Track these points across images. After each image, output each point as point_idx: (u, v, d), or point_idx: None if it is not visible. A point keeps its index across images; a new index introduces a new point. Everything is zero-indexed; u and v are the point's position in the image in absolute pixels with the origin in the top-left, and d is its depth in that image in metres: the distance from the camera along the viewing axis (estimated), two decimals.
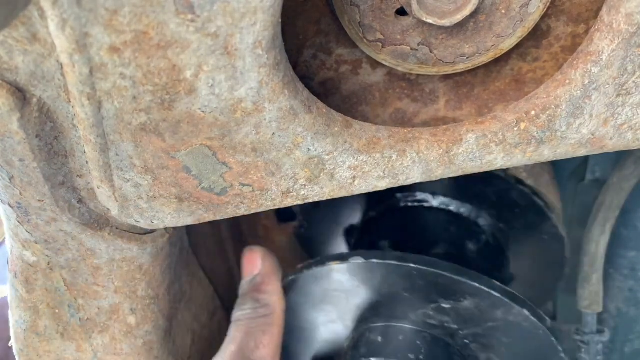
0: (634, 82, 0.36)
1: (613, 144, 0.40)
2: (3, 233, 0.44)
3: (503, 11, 0.37)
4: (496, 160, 0.40)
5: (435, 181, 0.59)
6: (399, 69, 0.40)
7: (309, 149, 0.37)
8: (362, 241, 0.68)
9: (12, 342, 0.50)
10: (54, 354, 0.50)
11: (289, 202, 0.40)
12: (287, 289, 0.57)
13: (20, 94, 0.33)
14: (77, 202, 0.41)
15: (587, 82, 0.36)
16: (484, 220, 0.65)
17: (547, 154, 0.40)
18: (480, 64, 0.40)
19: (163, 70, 0.31)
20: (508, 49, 0.39)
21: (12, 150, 0.35)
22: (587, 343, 0.68)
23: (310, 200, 0.40)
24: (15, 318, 0.49)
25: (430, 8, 0.35)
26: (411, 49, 0.39)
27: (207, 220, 0.41)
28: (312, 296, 0.58)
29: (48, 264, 0.44)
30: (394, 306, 0.55)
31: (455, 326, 0.54)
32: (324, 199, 0.41)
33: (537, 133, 0.38)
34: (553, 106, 0.37)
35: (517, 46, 0.40)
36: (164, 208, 0.40)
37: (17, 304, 0.48)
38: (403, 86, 0.43)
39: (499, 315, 0.52)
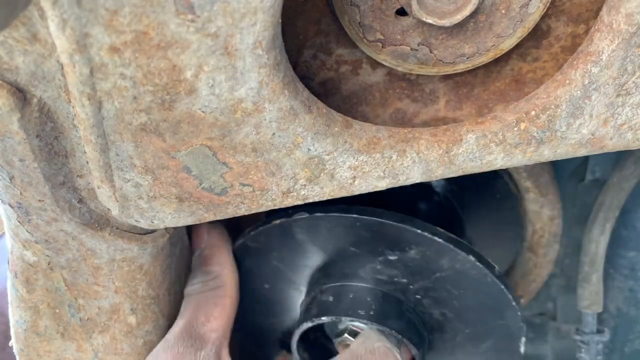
0: (633, 82, 0.36)
1: (613, 144, 0.40)
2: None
3: (503, 11, 0.37)
4: (496, 160, 0.40)
5: None
6: (399, 69, 0.40)
7: (309, 149, 0.37)
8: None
9: (13, 342, 0.50)
10: (54, 353, 0.50)
11: (289, 202, 0.40)
12: (239, 254, 0.56)
13: (21, 94, 0.33)
14: (78, 202, 0.41)
15: (587, 82, 0.36)
16: (436, 182, 0.64)
17: (547, 154, 0.40)
18: (480, 64, 0.40)
19: (163, 71, 0.31)
20: (508, 49, 0.39)
21: (13, 150, 0.35)
22: (587, 343, 0.68)
23: (311, 200, 0.40)
24: (15, 318, 0.49)
25: (430, 8, 0.35)
26: (411, 49, 0.39)
27: (207, 220, 0.41)
28: (263, 259, 0.57)
29: (48, 264, 0.44)
30: (343, 264, 0.55)
31: (405, 280, 0.53)
32: (324, 199, 0.41)
33: (537, 133, 0.38)
34: (553, 106, 0.37)
35: (517, 46, 0.40)
36: (164, 208, 0.40)
37: (18, 303, 0.48)
38: (403, 86, 0.43)
39: (445, 264, 0.51)
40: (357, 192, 0.40)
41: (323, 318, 0.53)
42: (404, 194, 0.54)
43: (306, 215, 0.52)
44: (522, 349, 0.55)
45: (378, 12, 0.37)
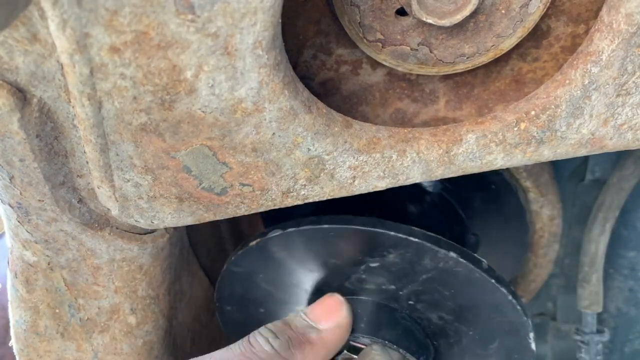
0: (633, 82, 0.36)
1: (613, 144, 0.40)
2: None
3: (503, 11, 0.37)
4: (496, 160, 0.40)
5: None
6: (399, 69, 0.40)
7: (309, 149, 0.37)
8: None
9: (13, 342, 0.50)
10: (54, 353, 0.50)
11: (289, 202, 0.40)
12: (228, 281, 0.56)
13: (21, 94, 0.33)
14: (78, 202, 0.41)
15: (587, 82, 0.36)
16: (427, 182, 0.62)
17: (547, 154, 0.40)
18: (480, 64, 0.40)
19: (163, 71, 0.32)
20: (508, 49, 0.39)
21: (13, 150, 0.35)
22: (587, 343, 0.68)
23: (310, 200, 0.40)
24: (15, 318, 0.49)
25: (430, 8, 0.35)
26: (411, 49, 0.39)
27: (207, 220, 0.41)
28: (251, 283, 0.56)
29: (48, 264, 0.44)
30: (329, 278, 0.53)
31: (393, 287, 0.51)
32: (324, 198, 0.41)
33: (537, 133, 0.38)
34: (553, 106, 0.37)
35: (517, 46, 0.40)
36: (164, 208, 0.40)
37: (18, 304, 0.48)
38: (403, 86, 0.43)
39: (428, 265, 0.49)
40: (357, 192, 0.40)
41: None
42: (391, 197, 0.53)
43: (280, 232, 0.50)
44: (532, 346, 0.52)
45: (378, 12, 0.37)
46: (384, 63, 0.40)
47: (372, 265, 0.50)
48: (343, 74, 0.42)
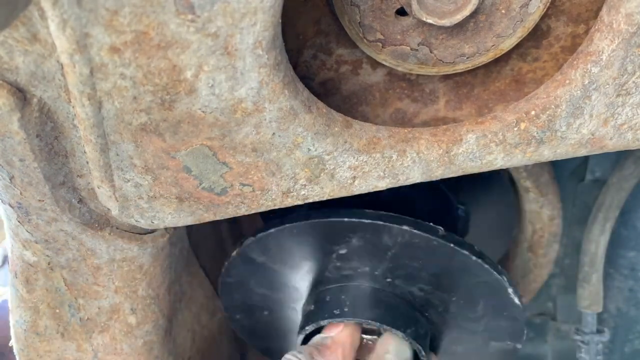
0: (633, 82, 0.36)
1: (613, 144, 0.40)
2: (4, 235, 0.44)
3: (503, 11, 0.37)
4: (496, 160, 0.40)
5: None
6: (399, 69, 0.40)
7: (309, 149, 0.37)
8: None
9: (13, 342, 0.50)
10: (54, 353, 0.50)
11: (289, 202, 0.40)
12: (227, 293, 0.59)
13: (21, 94, 0.33)
14: (78, 202, 0.41)
15: (587, 82, 0.36)
16: None
17: (547, 154, 0.40)
18: (480, 64, 0.40)
19: (163, 71, 0.31)
20: (508, 49, 0.39)
21: (13, 150, 0.35)
22: (587, 343, 0.68)
23: (310, 200, 0.40)
24: (15, 318, 0.49)
25: (430, 8, 0.35)
26: (411, 49, 0.39)
27: (207, 220, 0.41)
28: (247, 290, 0.59)
29: (48, 264, 0.44)
30: (310, 271, 0.56)
31: (367, 268, 0.54)
32: (324, 198, 0.41)
33: (537, 133, 0.38)
34: (553, 106, 0.37)
35: (517, 46, 0.40)
36: (164, 208, 0.40)
37: (18, 303, 0.48)
38: (403, 86, 0.43)
39: (388, 241, 0.51)
40: (357, 192, 0.40)
41: (307, 328, 0.54)
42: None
43: (252, 238, 0.54)
44: (516, 300, 0.54)
45: (378, 12, 0.37)
46: (384, 63, 0.40)
47: (341, 252, 0.53)
48: (343, 74, 0.42)
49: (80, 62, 0.30)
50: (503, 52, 0.39)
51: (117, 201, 0.39)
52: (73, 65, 0.31)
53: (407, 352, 0.53)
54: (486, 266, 0.52)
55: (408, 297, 0.56)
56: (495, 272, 0.53)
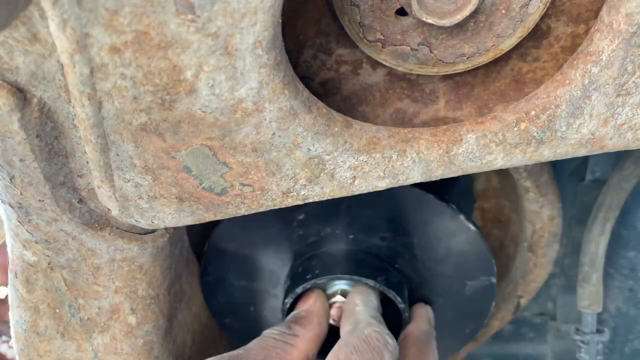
0: (634, 82, 0.36)
1: (613, 144, 0.40)
2: (4, 234, 0.44)
3: (503, 11, 0.37)
4: (496, 160, 0.40)
5: None
6: (399, 69, 0.40)
7: (309, 149, 0.37)
8: None
9: (13, 342, 0.50)
10: (54, 353, 0.50)
11: (290, 202, 0.40)
12: (209, 287, 0.60)
13: (21, 94, 0.33)
14: (78, 202, 0.41)
15: (587, 82, 0.36)
16: None
17: (547, 154, 0.40)
18: (480, 64, 0.40)
19: (163, 71, 0.32)
20: (508, 49, 0.39)
21: (13, 150, 0.35)
22: (587, 343, 0.68)
23: (311, 200, 0.41)
24: (15, 318, 0.49)
25: (430, 8, 0.35)
26: (411, 49, 0.39)
27: (207, 220, 0.41)
28: (227, 286, 0.60)
29: (48, 264, 0.44)
30: (280, 248, 0.58)
31: (328, 229, 0.56)
32: (324, 198, 0.41)
33: (537, 133, 0.38)
34: (553, 106, 0.37)
35: (517, 46, 0.40)
36: (165, 208, 0.40)
37: (18, 303, 0.48)
38: (403, 86, 0.43)
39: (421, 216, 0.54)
40: (357, 192, 0.40)
41: (286, 301, 0.56)
42: None
43: (217, 227, 0.56)
44: (471, 226, 0.56)
45: (378, 12, 0.37)
46: (384, 63, 0.40)
47: (300, 217, 0.55)
48: (343, 74, 0.42)
49: (81, 62, 0.30)
50: (503, 52, 0.39)
51: (117, 201, 0.39)
52: (73, 65, 0.31)
53: (374, 302, 0.55)
54: (430, 195, 0.54)
55: (374, 250, 0.58)
56: (440, 201, 0.54)
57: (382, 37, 0.38)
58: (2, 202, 0.41)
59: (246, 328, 0.63)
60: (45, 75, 0.33)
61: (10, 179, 0.37)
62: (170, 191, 0.39)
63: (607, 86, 0.36)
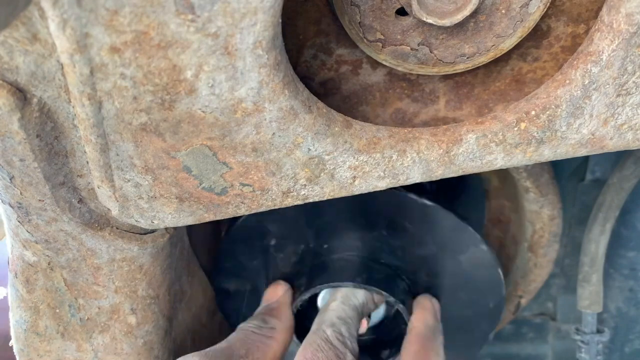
0: (634, 82, 0.36)
1: (613, 144, 0.40)
2: (4, 233, 0.44)
3: (503, 11, 0.37)
4: (496, 160, 0.40)
5: None
6: (399, 69, 0.40)
7: (309, 149, 0.37)
8: None
9: (13, 342, 0.50)
10: (54, 353, 0.50)
11: (289, 202, 0.40)
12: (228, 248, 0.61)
13: (21, 94, 0.33)
14: (78, 202, 0.41)
15: (587, 82, 0.36)
16: None
17: (547, 154, 0.40)
18: (480, 64, 0.40)
19: (163, 70, 0.31)
20: (508, 49, 0.39)
21: (13, 150, 0.35)
22: (587, 343, 0.68)
23: (311, 200, 0.40)
24: (15, 318, 0.49)
25: (431, 8, 0.35)
26: (411, 49, 0.39)
27: (207, 220, 0.41)
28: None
29: (48, 264, 0.44)
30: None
31: (309, 234, 0.58)
32: (324, 198, 0.41)
33: (537, 133, 0.38)
34: (553, 106, 0.37)
35: (517, 46, 0.40)
36: (165, 208, 0.40)
37: (18, 303, 0.48)
38: (403, 86, 0.43)
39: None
40: (357, 192, 0.40)
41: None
42: None
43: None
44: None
45: (378, 12, 0.37)
46: (384, 63, 0.40)
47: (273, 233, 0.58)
48: (343, 74, 0.42)
49: (81, 62, 0.30)
50: (503, 52, 0.39)
51: (117, 201, 0.39)
52: (73, 65, 0.31)
53: (357, 299, 0.57)
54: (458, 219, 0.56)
55: (355, 250, 0.60)
56: (458, 219, 0.56)
57: (382, 37, 0.38)
58: (2, 202, 0.41)
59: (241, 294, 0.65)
60: (45, 75, 0.33)
61: (10, 179, 0.37)
62: (170, 191, 0.39)
63: (607, 86, 0.36)
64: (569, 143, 0.39)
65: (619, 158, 0.64)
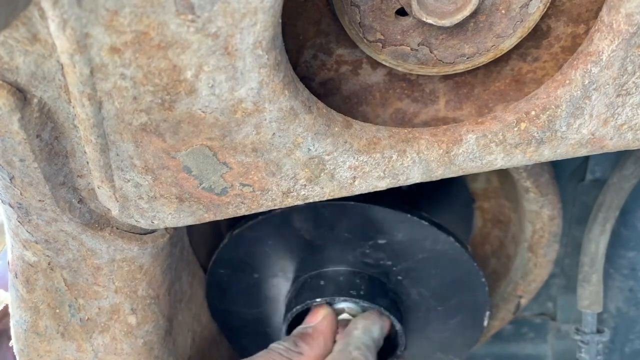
0: (634, 82, 0.36)
1: (613, 144, 0.40)
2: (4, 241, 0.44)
3: (503, 11, 0.37)
4: (496, 160, 0.40)
5: None
6: (399, 69, 0.40)
7: (309, 149, 0.37)
8: None
9: (13, 342, 0.50)
10: (54, 353, 0.50)
11: (289, 202, 0.40)
12: (234, 244, 0.60)
13: (21, 94, 0.33)
14: (78, 202, 0.41)
15: (587, 82, 0.36)
16: None
17: (547, 154, 0.40)
18: (480, 64, 0.40)
19: (163, 71, 0.32)
20: (508, 49, 0.39)
21: (13, 151, 0.35)
22: (587, 343, 0.68)
23: (311, 200, 0.40)
24: (15, 318, 0.49)
25: (430, 8, 0.35)
26: (411, 49, 0.39)
27: (207, 220, 0.41)
28: (257, 249, 0.61)
29: (48, 264, 0.44)
30: (333, 250, 0.59)
31: (390, 262, 0.58)
32: (324, 199, 0.41)
33: (537, 133, 0.38)
34: (553, 106, 0.37)
35: (517, 46, 0.40)
36: (165, 208, 0.40)
37: (18, 304, 0.48)
38: (403, 86, 0.43)
39: (427, 246, 0.56)
40: (357, 192, 0.40)
41: (317, 300, 0.57)
42: None
43: (279, 210, 0.55)
44: (485, 322, 0.61)
45: (378, 12, 0.37)
46: (384, 63, 0.40)
47: (380, 241, 0.57)
48: (343, 74, 0.42)
49: (81, 62, 0.30)
50: (503, 52, 0.39)
51: (118, 201, 0.39)
52: (73, 66, 0.31)
53: (376, 332, 0.57)
54: (486, 289, 0.58)
55: (404, 296, 0.60)
56: (487, 295, 0.58)
57: (382, 37, 0.38)
58: (2, 202, 0.41)
59: (238, 286, 0.64)
60: (45, 75, 0.33)
61: (10, 179, 0.37)
62: (170, 191, 0.39)
63: (607, 86, 0.36)
64: (569, 143, 0.39)
65: (619, 158, 0.64)
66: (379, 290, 0.58)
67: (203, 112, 0.34)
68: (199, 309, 0.62)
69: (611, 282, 0.74)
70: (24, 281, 0.46)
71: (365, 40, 0.38)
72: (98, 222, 0.42)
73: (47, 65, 0.33)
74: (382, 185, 0.40)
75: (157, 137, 0.35)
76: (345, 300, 0.57)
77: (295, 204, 0.41)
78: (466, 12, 0.35)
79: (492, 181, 0.73)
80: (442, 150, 0.39)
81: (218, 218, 0.41)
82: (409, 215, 0.54)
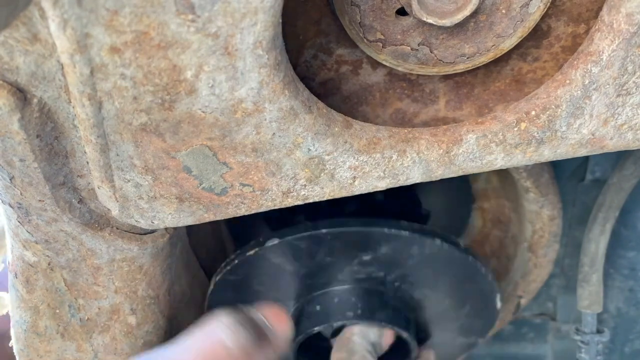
0: (634, 82, 0.36)
1: (613, 144, 0.40)
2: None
3: (503, 11, 0.37)
4: (496, 160, 0.40)
5: None
6: (399, 69, 0.40)
7: (309, 149, 0.37)
8: (280, 220, 0.70)
9: (13, 342, 0.50)
10: (54, 353, 0.50)
11: (289, 202, 0.40)
12: (219, 289, 0.59)
13: (21, 94, 0.33)
14: (78, 202, 0.41)
15: (587, 82, 0.36)
16: None
17: (547, 154, 0.40)
18: (481, 64, 0.40)
19: (163, 71, 0.31)
20: (508, 49, 0.39)
21: (13, 151, 0.35)
22: (587, 343, 0.68)
23: (311, 200, 0.40)
24: (15, 318, 0.49)
25: (431, 8, 0.35)
26: (411, 49, 0.39)
27: (207, 220, 0.41)
28: (244, 288, 0.60)
29: (48, 264, 0.44)
30: (322, 273, 0.58)
31: (382, 273, 0.57)
32: (324, 199, 0.41)
33: (537, 133, 0.38)
34: (553, 106, 0.37)
35: (517, 46, 0.40)
36: (165, 208, 0.40)
37: (18, 304, 0.48)
38: (403, 86, 0.43)
39: (415, 252, 0.55)
40: (357, 192, 0.40)
41: (315, 329, 0.56)
42: None
43: (277, 240, 0.54)
44: (498, 305, 0.60)
45: (378, 12, 0.37)
46: (385, 63, 0.40)
47: (365, 258, 0.56)
48: (343, 74, 0.42)
49: (81, 62, 0.30)
50: (503, 52, 0.39)
51: (117, 201, 0.39)
52: (73, 66, 0.31)
53: (372, 335, 0.56)
54: (489, 276, 0.57)
55: (407, 299, 0.60)
56: (492, 279, 0.57)
57: (382, 37, 0.38)
58: (2, 202, 0.41)
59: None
60: (45, 75, 0.33)
61: (10, 179, 0.37)
62: (170, 191, 0.39)
63: (608, 86, 0.36)
64: (569, 143, 0.39)
65: (619, 158, 0.64)
66: (377, 303, 0.58)
67: (203, 112, 0.34)
68: (199, 309, 0.62)
69: (611, 282, 0.74)
70: (24, 281, 0.46)
71: (365, 40, 0.38)
72: (98, 222, 0.42)
73: (47, 65, 0.33)
74: (382, 185, 0.40)
75: (157, 137, 0.35)
76: (344, 324, 0.57)
77: (296, 203, 0.41)
78: (466, 12, 0.35)
79: (492, 181, 0.73)
80: (442, 150, 0.39)
81: (218, 218, 0.41)
82: (385, 230, 0.53)
